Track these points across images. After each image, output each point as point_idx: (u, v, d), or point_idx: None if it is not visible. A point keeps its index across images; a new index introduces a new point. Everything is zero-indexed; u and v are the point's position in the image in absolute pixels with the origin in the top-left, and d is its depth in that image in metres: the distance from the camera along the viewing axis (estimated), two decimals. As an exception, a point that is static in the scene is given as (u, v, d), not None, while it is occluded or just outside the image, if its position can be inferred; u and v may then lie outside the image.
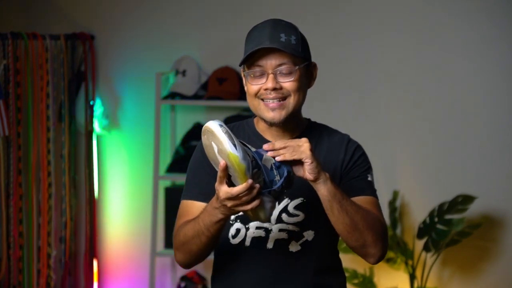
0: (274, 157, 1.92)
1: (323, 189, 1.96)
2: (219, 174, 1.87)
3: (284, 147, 1.91)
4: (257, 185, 1.87)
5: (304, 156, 1.91)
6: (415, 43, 4.19)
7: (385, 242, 2.05)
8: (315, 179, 1.94)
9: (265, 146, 1.91)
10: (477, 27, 4.12)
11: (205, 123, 1.88)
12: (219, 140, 1.84)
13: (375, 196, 2.11)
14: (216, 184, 1.89)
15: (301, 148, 1.92)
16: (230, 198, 1.88)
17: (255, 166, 1.88)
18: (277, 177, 1.90)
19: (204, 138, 1.88)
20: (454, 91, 4.17)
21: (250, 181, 1.85)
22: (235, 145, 1.84)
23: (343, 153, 2.13)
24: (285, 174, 1.91)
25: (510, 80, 4.11)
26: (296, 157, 1.91)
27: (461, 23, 4.14)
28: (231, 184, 1.89)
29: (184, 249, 2.08)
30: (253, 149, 1.91)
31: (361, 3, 4.26)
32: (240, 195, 1.87)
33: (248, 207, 1.89)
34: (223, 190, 1.88)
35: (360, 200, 2.07)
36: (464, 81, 4.16)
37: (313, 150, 1.92)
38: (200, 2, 4.48)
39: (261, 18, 2.20)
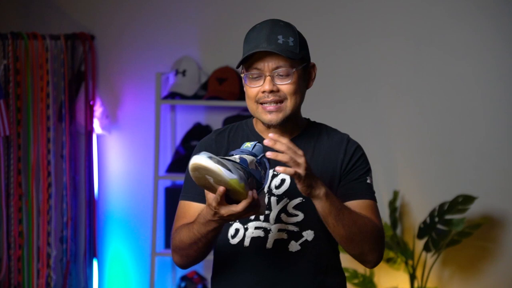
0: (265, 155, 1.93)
1: (318, 205, 1.98)
2: (217, 198, 1.89)
3: (283, 152, 1.90)
4: (255, 194, 1.90)
5: (296, 176, 1.91)
6: (415, 44, 4.19)
7: (381, 249, 2.08)
8: (307, 195, 1.96)
9: (266, 142, 1.91)
10: (477, 28, 4.12)
11: (192, 157, 1.87)
12: (215, 173, 1.86)
13: (374, 199, 2.12)
14: (214, 205, 1.90)
15: (298, 166, 1.91)
16: (233, 215, 1.91)
17: (248, 175, 1.90)
18: (262, 172, 1.94)
19: (195, 174, 1.88)
20: (454, 91, 4.17)
21: (250, 193, 1.89)
22: (230, 170, 1.86)
23: (343, 153, 2.13)
24: (268, 167, 1.95)
25: (509, 81, 4.11)
26: (290, 171, 1.90)
27: (461, 24, 4.14)
28: (227, 198, 1.91)
29: (182, 253, 2.09)
30: (237, 156, 1.92)
31: (362, 5, 4.26)
32: (245, 209, 1.90)
33: (252, 215, 1.93)
34: (225, 209, 1.91)
35: (358, 204, 2.08)
36: (464, 82, 4.16)
37: (308, 168, 1.91)
38: (200, 2, 4.48)
39: (261, 18, 2.20)
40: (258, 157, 1.95)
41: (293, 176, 1.91)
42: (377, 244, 2.05)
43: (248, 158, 1.93)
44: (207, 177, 1.87)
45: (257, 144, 1.97)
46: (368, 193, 2.11)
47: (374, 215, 2.08)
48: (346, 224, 1.99)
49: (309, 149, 2.13)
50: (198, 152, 2.16)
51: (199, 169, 1.87)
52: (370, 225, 2.04)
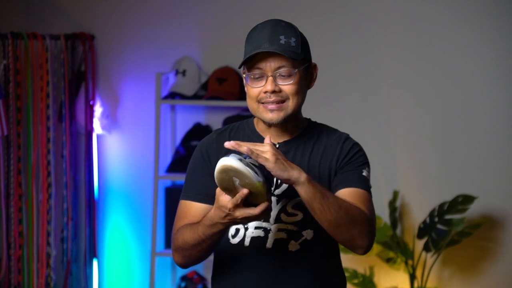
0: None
1: (301, 191, 1.96)
2: (237, 200, 1.90)
3: (250, 151, 1.91)
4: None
5: (263, 159, 1.91)
6: (415, 44, 4.19)
7: (371, 234, 2.05)
8: (286, 182, 1.95)
9: (226, 144, 1.92)
10: (477, 28, 4.12)
11: (220, 159, 1.88)
12: (245, 175, 1.87)
13: (368, 191, 2.10)
14: (230, 207, 1.92)
15: (264, 153, 1.92)
16: (248, 217, 1.93)
17: (266, 178, 1.92)
18: (267, 172, 1.95)
19: (222, 175, 1.89)
20: (454, 91, 4.17)
21: (269, 198, 1.93)
22: (257, 173, 1.88)
23: (339, 150, 2.13)
24: None
25: (509, 80, 4.11)
26: (260, 161, 1.91)
27: (461, 24, 4.14)
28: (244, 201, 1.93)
29: (184, 254, 2.09)
30: (253, 160, 1.93)
31: (362, 3, 4.26)
32: (262, 212, 1.93)
33: (265, 217, 1.95)
34: (241, 212, 1.92)
35: (350, 191, 2.07)
36: (464, 81, 4.16)
37: (276, 154, 1.92)
38: (200, 2, 4.48)
39: (261, 18, 2.20)
40: None
41: (263, 162, 1.91)
42: (366, 228, 2.02)
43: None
44: (234, 179, 1.88)
45: None
46: (361, 183, 2.09)
47: (363, 204, 2.06)
48: (332, 208, 1.97)
49: (308, 148, 2.13)
50: (198, 152, 2.18)
51: (228, 170, 1.87)
52: (356, 210, 2.01)
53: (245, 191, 1.89)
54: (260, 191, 1.89)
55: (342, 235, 2.02)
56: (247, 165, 1.87)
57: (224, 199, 1.93)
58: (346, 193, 2.06)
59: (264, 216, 1.94)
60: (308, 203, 1.97)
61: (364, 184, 2.10)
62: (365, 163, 2.13)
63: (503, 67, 4.11)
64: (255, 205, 1.93)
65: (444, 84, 4.18)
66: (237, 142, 1.92)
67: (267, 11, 4.25)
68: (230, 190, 1.91)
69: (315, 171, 2.11)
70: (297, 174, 1.94)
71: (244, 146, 1.91)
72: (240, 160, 1.88)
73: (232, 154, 1.90)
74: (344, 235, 2.02)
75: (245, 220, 1.94)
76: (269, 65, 2.06)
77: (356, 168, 2.11)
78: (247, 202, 1.92)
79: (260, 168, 1.91)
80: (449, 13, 4.15)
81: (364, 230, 2.02)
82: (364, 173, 2.11)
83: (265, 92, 2.06)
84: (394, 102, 4.23)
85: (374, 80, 4.26)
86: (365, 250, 2.06)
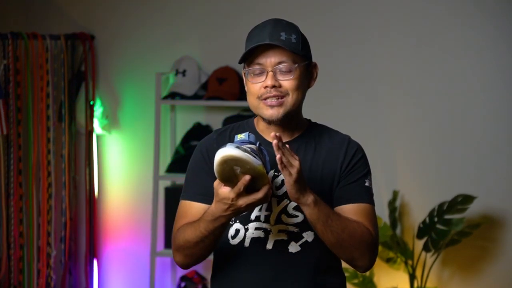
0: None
1: (306, 211, 1.99)
2: (240, 187, 1.90)
3: (282, 153, 1.92)
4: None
5: (287, 173, 1.92)
6: (415, 43, 4.19)
7: (373, 255, 2.08)
8: (295, 200, 1.98)
9: (272, 135, 1.91)
10: (477, 28, 4.12)
11: (218, 151, 1.88)
12: (245, 161, 1.87)
13: (371, 203, 2.12)
14: (233, 197, 1.91)
15: (292, 166, 1.93)
16: (252, 203, 1.93)
17: (264, 163, 1.92)
18: (263, 159, 1.96)
19: (223, 167, 1.88)
20: (454, 91, 4.17)
21: (269, 181, 1.93)
22: (255, 157, 1.88)
23: (343, 155, 2.13)
24: (266, 153, 1.97)
25: (509, 80, 4.11)
26: (284, 172, 1.93)
27: (461, 24, 4.15)
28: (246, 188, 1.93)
29: (186, 253, 2.09)
30: (252, 146, 1.93)
31: (362, 3, 4.26)
32: (265, 195, 1.93)
33: (268, 200, 1.95)
34: (244, 199, 1.92)
35: (353, 208, 2.08)
36: (464, 81, 4.16)
37: (300, 172, 1.93)
38: (200, 2, 4.48)
39: (261, 18, 2.20)
40: (257, 145, 1.96)
41: (285, 175, 1.93)
42: (368, 250, 2.06)
43: (252, 147, 1.94)
44: (235, 168, 1.88)
45: (250, 133, 1.98)
46: (365, 196, 2.11)
47: (368, 220, 2.08)
48: (334, 231, 2.00)
49: (310, 150, 2.13)
50: (198, 152, 2.17)
51: (229, 160, 1.87)
52: (360, 231, 2.04)
53: (247, 177, 1.89)
54: (262, 173, 1.89)
55: (343, 255, 2.06)
56: (245, 151, 1.87)
57: (224, 190, 1.93)
58: (350, 210, 2.08)
59: (268, 199, 1.94)
60: (311, 223, 2.01)
61: (368, 197, 2.11)
62: (368, 172, 2.14)
63: (503, 67, 4.11)
64: (256, 190, 1.93)
65: (444, 84, 4.18)
66: (280, 138, 1.91)
67: (267, 11, 4.25)
68: (231, 180, 1.91)
69: (317, 175, 2.11)
70: (306, 197, 1.97)
71: (281, 149, 1.91)
72: (238, 147, 1.87)
73: (228, 144, 1.89)
74: (346, 256, 2.06)
75: (249, 207, 1.94)
76: (269, 60, 2.06)
77: (359, 179, 2.11)
78: (247, 188, 1.92)
79: (255, 152, 1.91)
80: (449, 13, 4.15)
81: (366, 252, 2.05)
82: (367, 183, 2.12)
83: (265, 87, 2.06)
84: (394, 102, 4.23)
85: (374, 80, 4.26)
86: (365, 269, 2.10)
